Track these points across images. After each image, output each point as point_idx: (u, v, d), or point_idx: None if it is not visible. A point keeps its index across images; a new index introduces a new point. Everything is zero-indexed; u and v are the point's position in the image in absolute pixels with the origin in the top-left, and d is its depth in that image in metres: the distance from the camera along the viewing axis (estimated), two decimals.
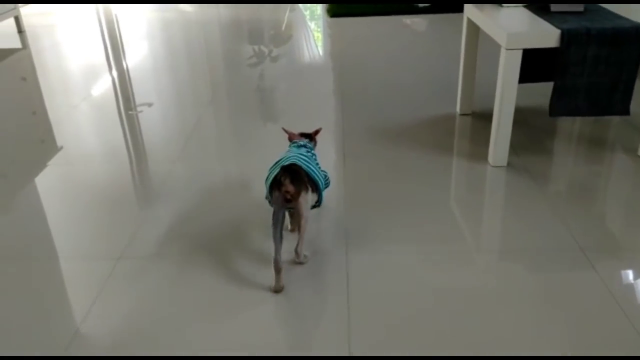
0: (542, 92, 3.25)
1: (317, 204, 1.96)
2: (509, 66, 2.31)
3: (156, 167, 2.69)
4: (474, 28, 2.84)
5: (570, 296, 1.74)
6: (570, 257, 1.92)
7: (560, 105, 2.35)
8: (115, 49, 4.74)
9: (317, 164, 2.01)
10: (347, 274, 1.87)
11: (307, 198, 1.82)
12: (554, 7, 2.52)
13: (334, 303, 1.75)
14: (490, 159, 2.53)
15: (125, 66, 4.24)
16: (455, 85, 3.13)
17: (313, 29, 5.26)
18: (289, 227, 2.09)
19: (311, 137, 2.16)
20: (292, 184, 1.74)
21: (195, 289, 1.83)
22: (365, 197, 2.33)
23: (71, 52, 4.71)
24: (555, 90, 2.33)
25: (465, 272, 1.87)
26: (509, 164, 2.51)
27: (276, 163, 1.90)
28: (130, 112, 3.34)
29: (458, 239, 2.05)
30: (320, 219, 2.18)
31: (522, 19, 2.48)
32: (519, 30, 2.31)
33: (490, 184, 2.43)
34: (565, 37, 2.23)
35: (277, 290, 1.79)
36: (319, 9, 6.01)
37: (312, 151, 2.07)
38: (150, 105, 3.43)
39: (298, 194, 1.76)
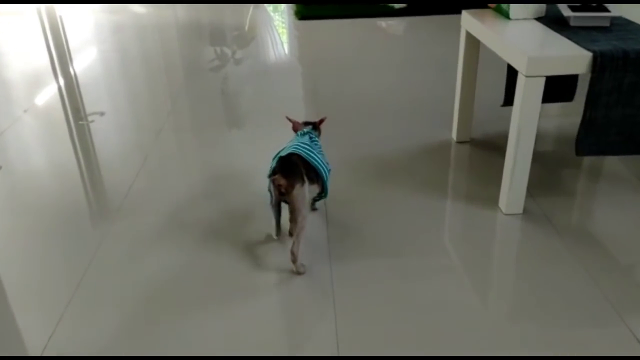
0: (557, 112, 2.86)
1: (323, 195, 1.91)
2: (528, 96, 1.89)
3: (115, 182, 2.45)
4: (473, 43, 2.41)
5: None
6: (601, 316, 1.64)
7: (589, 142, 1.94)
8: (60, 54, 4.36)
9: (322, 153, 1.93)
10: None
11: (304, 191, 1.75)
12: (574, 21, 2.11)
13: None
14: (502, 204, 2.11)
15: (72, 72, 3.88)
16: (446, 101, 2.71)
17: (278, 29, 4.89)
18: (288, 231, 1.99)
19: (315, 125, 2.06)
20: (285, 177, 1.70)
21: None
22: (348, 260, 1.89)
23: (10, 58, 4.28)
24: (583, 124, 1.92)
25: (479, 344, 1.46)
26: (524, 210, 2.09)
27: (278, 153, 1.84)
28: (80, 123, 3.07)
29: (466, 308, 1.63)
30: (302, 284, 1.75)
31: (540, 36, 2.06)
32: (542, 54, 1.88)
33: (504, 238, 2.01)
34: (598, 61, 1.82)
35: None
36: (283, 6, 5.62)
37: (317, 140, 1.97)
38: (102, 114, 3.15)
39: (291, 186, 1.71)
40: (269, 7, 5.63)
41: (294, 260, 1.77)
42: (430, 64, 3.76)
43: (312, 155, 1.82)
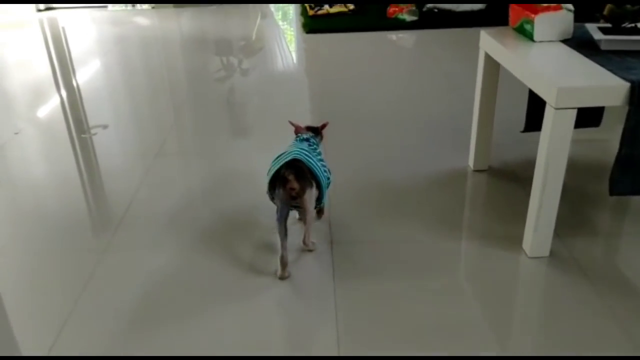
0: (581, 138, 2.66)
1: (319, 204, 1.91)
2: (558, 130, 1.70)
3: (117, 195, 2.41)
4: (493, 66, 2.23)
5: None
6: None
7: (625, 182, 1.76)
8: (63, 66, 4.29)
9: (321, 159, 1.94)
10: None
11: (312, 194, 1.81)
12: (605, 45, 1.93)
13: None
14: (526, 246, 1.92)
15: (75, 84, 3.81)
16: (460, 121, 2.53)
17: (287, 37, 4.79)
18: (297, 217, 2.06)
19: (318, 131, 2.08)
20: (297, 181, 1.72)
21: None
22: (353, 306, 1.71)
23: (12, 70, 4.20)
24: (618, 161, 1.73)
25: None
26: (551, 252, 1.90)
27: (277, 158, 1.86)
28: (83, 136, 3.01)
29: None
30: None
31: (568, 62, 1.87)
32: (574, 84, 1.70)
33: (529, 285, 1.83)
34: (636, 92, 1.63)
35: (283, 277, 1.82)
36: (292, 11, 5.53)
37: (316, 145, 2.00)
38: (105, 127, 3.08)
39: (303, 190, 1.75)
40: (277, 16, 5.51)
41: (306, 246, 1.92)
42: (444, 80, 3.59)
43: (312, 161, 1.85)
